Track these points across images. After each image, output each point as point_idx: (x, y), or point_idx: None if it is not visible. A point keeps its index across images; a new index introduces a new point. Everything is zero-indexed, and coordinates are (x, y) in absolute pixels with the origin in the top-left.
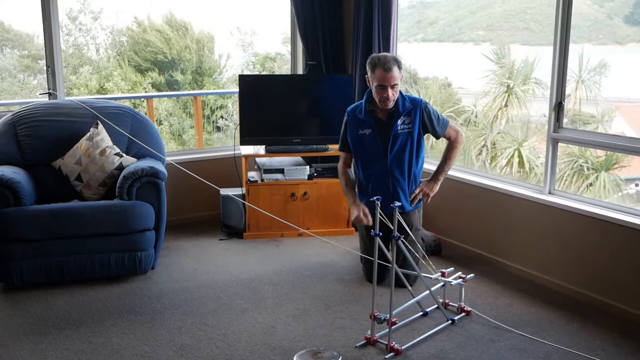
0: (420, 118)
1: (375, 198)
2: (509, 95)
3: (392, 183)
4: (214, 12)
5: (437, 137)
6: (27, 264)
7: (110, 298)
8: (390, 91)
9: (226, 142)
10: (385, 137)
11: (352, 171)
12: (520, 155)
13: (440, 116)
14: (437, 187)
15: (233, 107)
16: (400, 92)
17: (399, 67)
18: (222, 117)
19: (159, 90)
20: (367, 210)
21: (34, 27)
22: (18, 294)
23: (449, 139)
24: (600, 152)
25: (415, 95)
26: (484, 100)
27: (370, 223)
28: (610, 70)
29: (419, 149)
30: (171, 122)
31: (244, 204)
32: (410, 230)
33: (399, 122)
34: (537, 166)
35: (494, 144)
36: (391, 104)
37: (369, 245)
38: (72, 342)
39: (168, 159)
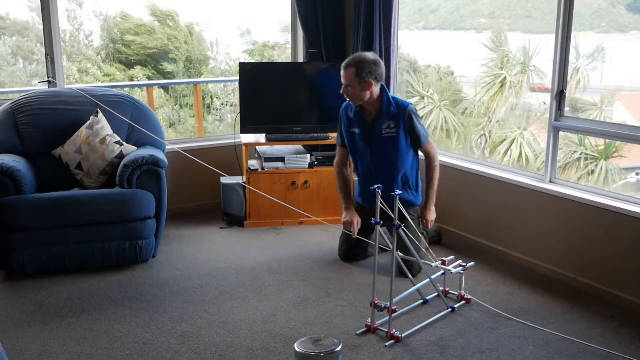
0: (405, 123)
1: (375, 186)
2: (502, 84)
3: (378, 181)
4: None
5: (419, 146)
6: (28, 252)
7: (112, 286)
8: (346, 89)
9: (224, 132)
10: (369, 139)
11: (348, 170)
12: (520, 145)
13: (424, 130)
14: (432, 213)
15: (226, 98)
16: (387, 95)
17: (358, 68)
18: (215, 109)
19: (150, 80)
20: (355, 222)
21: (31, 14)
22: (19, 282)
23: (427, 154)
24: (600, 141)
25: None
26: (482, 88)
27: (354, 235)
28: (612, 58)
29: (407, 151)
30: (161, 114)
31: (244, 192)
32: (406, 219)
33: (383, 125)
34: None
35: (490, 134)
36: (353, 102)
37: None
38: (73, 330)
39: (168, 147)
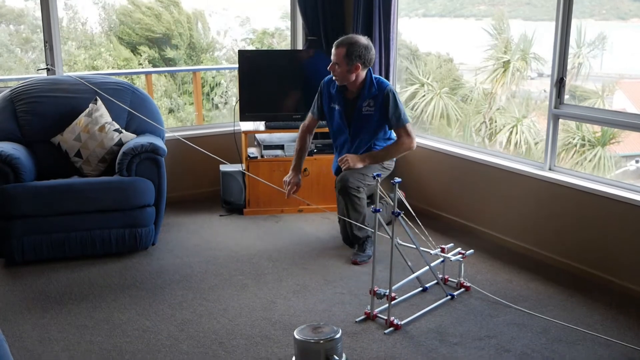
0: (383, 102)
1: (375, 174)
2: (505, 70)
3: (352, 153)
4: None
5: (390, 127)
6: (28, 240)
7: (112, 274)
8: (334, 67)
9: (223, 120)
10: (349, 115)
11: (311, 137)
12: (518, 132)
13: (401, 111)
14: (359, 164)
15: (230, 84)
16: (372, 77)
17: (349, 50)
18: (218, 95)
19: (154, 67)
20: (294, 183)
21: (25, 3)
22: (19, 270)
23: (398, 137)
24: (597, 128)
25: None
26: (482, 75)
27: (287, 195)
28: (612, 46)
29: (381, 129)
30: (165, 102)
31: (244, 180)
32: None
33: (364, 104)
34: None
35: (492, 121)
36: (338, 81)
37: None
38: (74, 317)
39: (168, 135)
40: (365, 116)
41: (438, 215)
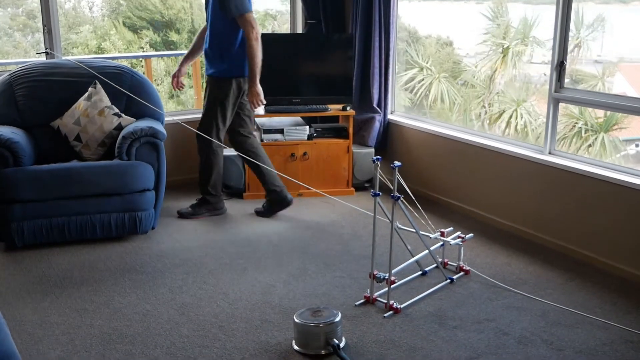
0: None
1: (374, 158)
2: (504, 55)
3: (206, 51)
4: None
5: (230, 18)
6: (28, 224)
7: (112, 258)
8: None
9: None
10: (207, 9)
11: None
12: (517, 117)
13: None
14: (255, 88)
15: None
16: None
17: None
18: None
19: (156, 50)
20: (172, 76)
21: None
22: (20, 254)
23: (244, 31)
24: (600, 113)
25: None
26: (482, 60)
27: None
28: (612, 29)
29: (220, 19)
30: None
31: (243, 164)
32: (209, 98)
33: None
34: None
35: (491, 105)
36: None
37: None
38: (74, 301)
39: (167, 119)
40: (209, 7)
41: (437, 199)
